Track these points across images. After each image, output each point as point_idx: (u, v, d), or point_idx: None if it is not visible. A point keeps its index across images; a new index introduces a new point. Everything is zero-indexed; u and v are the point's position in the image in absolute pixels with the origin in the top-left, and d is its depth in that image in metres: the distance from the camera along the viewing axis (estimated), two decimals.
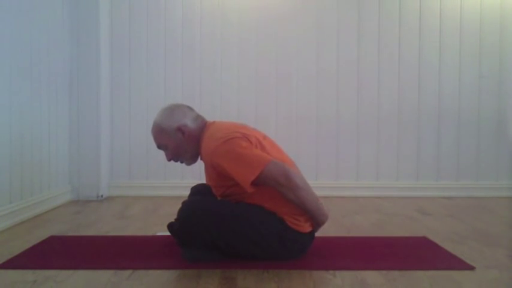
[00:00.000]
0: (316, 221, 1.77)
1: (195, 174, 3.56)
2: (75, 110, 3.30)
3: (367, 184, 3.63)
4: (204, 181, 2.20)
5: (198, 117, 1.90)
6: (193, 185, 2.19)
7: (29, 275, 1.62)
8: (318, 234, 1.88)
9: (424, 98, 3.64)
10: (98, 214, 2.82)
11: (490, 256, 1.90)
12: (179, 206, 1.81)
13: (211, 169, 1.75)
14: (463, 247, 2.03)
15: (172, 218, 2.04)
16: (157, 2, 3.57)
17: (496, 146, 3.66)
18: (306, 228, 1.78)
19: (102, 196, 3.36)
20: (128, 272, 1.65)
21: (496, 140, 3.66)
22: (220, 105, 3.57)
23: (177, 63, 3.59)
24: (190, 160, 1.91)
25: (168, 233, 2.06)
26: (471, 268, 1.72)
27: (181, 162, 1.91)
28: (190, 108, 1.92)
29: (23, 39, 2.59)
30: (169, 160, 1.90)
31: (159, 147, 1.90)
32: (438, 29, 3.63)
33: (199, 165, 3.53)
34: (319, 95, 3.60)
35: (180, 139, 1.84)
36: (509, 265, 1.80)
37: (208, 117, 3.64)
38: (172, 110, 1.88)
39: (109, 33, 3.52)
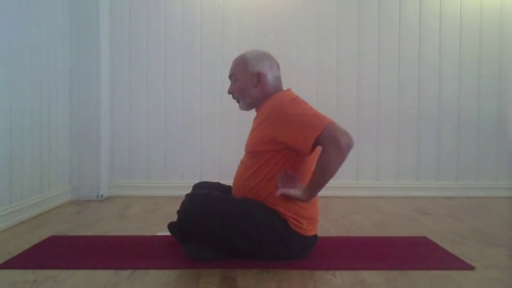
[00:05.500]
0: (312, 184, 1.68)
1: (195, 173, 3.57)
2: (75, 110, 3.30)
3: (367, 184, 3.62)
4: (203, 180, 2.20)
5: (279, 80, 1.92)
6: (193, 184, 2.19)
7: (29, 275, 1.62)
8: (318, 234, 1.88)
9: (424, 98, 3.64)
10: (98, 214, 2.82)
11: (490, 256, 1.90)
12: (179, 206, 1.82)
13: (264, 123, 1.74)
14: (463, 247, 2.03)
15: (172, 218, 2.04)
16: (157, 2, 3.57)
17: (496, 146, 3.66)
18: (308, 231, 1.78)
19: (102, 196, 3.35)
20: (127, 272, 1.65)
21: (496, 140, 3.66)
22: (220, 105, 3.57)
23: (177, 63, 3.59)
24: (246, 106, 1.92)
25: (168, 233, 2.06)
26: (471, 268, 1.72)
27: (237, 101, 1.94)
28: (278, 68, 1.94)
29: (23, 39, 2.59)
30: (229, 93, 1.94)
31: (230, 76, 1.94)
32: (438, 29, 3.63)
33: (198, 165, 3.56)
34: (319, 94, 3.59)
35: (252, 83, 1.86)
36: (509, 265, 1.80)
37: (208, 118, 3.66)
38: (265, 57, 1.90)
39: (109, 33, 3.51)
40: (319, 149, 1.68)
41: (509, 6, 3.63)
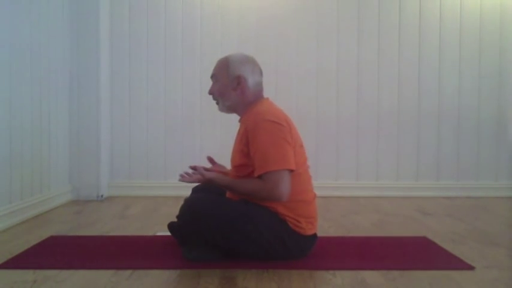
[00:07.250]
0: (227, 182, 1.79)
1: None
2: (75, 110, 3.30)
3: (367, 184, 3.62)
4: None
5: (260, 86, 1.92)
6: (193, 185, 2.18)
7: (29, 275, 1.62)
8: (318, 234, 1.88)
9: (424, 98, 3.64)
10: (98, 214, 2.82)
11: (490, 256, 1.90)
12: (179, 206, 1.82)
13: (243, 136, 1.77)
14: (463, 247, 2.03)
15: (172, 218, 2.05)
16: (157, 2, 3.57)
17: (496, 146, 3.66)
18: (308, 230, 1.78)
19: (102, 196, 3.35)
20: (128, 272, 1.65)
21: (496, 140, 3.66)
22: None
23: (177, 63, 3.59)
24: (225, 109, 1.93)
25: (168, 233, 2.06)
26: (471, 268, 1.72)
27: (217, 103, 1.94)
28: (261, 73, 1.94)
29: (23, 39, 2.59)
30: (209, 93, 1.94)
31: (212, 76, 1.94)
32: (438, 29, 3.63)
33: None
34: (319, 95, 3.60)
35: (231, 86, 1.87)
36: (509, 265, 1.80)
37: (208, 118, 3.66)
38: (248, 61, 1.90)
39: (109, 33, 3.51)
40: (306, 159, 1.82)
41: (509, 6, 3.63)
